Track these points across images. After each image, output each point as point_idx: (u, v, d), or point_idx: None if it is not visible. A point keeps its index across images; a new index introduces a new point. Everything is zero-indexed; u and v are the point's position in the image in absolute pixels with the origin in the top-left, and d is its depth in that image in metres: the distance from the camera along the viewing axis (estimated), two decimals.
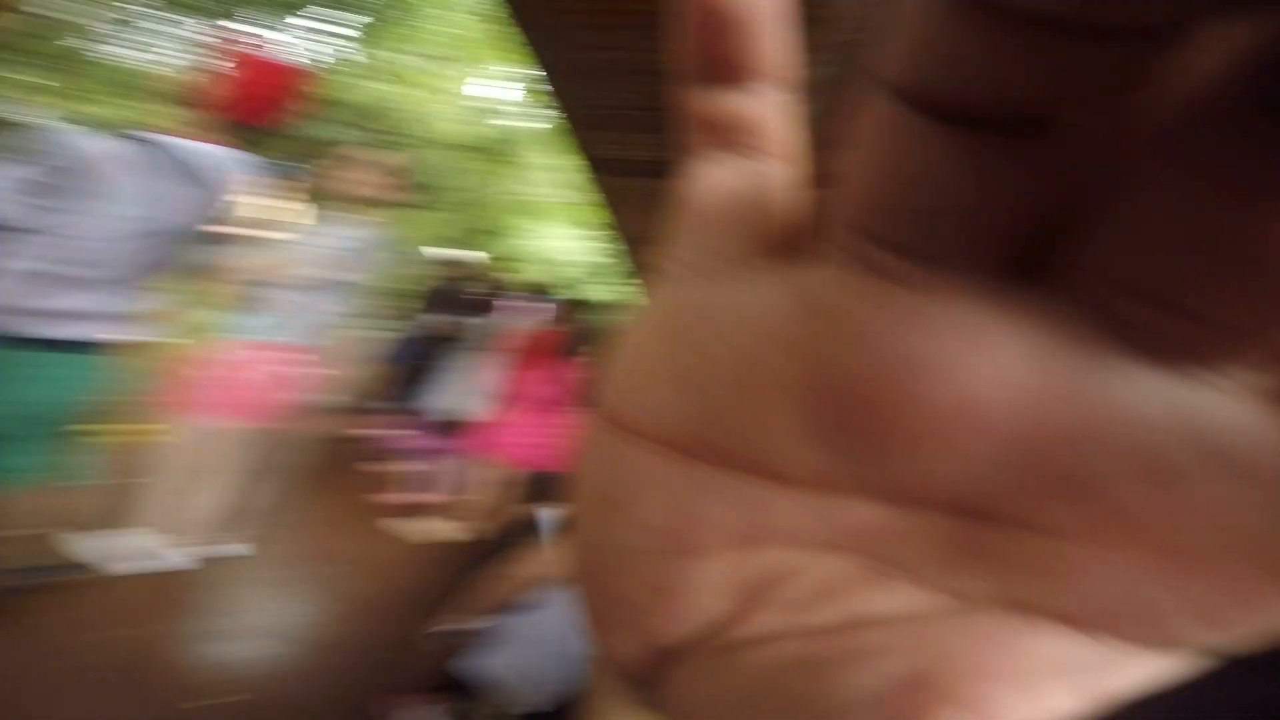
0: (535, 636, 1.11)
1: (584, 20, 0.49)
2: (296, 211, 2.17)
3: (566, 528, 0.11)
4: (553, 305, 2.52)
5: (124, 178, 1.27)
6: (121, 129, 1.34)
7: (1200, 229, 0.06)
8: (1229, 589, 0.07)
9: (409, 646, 1.46)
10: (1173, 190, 0.06)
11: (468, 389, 2.44)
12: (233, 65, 1.41)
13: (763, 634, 0.09)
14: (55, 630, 1.46)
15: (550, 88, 0.63)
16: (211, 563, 1.79)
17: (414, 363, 2.56)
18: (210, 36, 1.46)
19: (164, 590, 1.69)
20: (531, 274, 3.67)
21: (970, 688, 0.07)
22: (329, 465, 2.51)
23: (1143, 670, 0.08)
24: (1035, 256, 0.07)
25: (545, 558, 1.29)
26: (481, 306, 2.60)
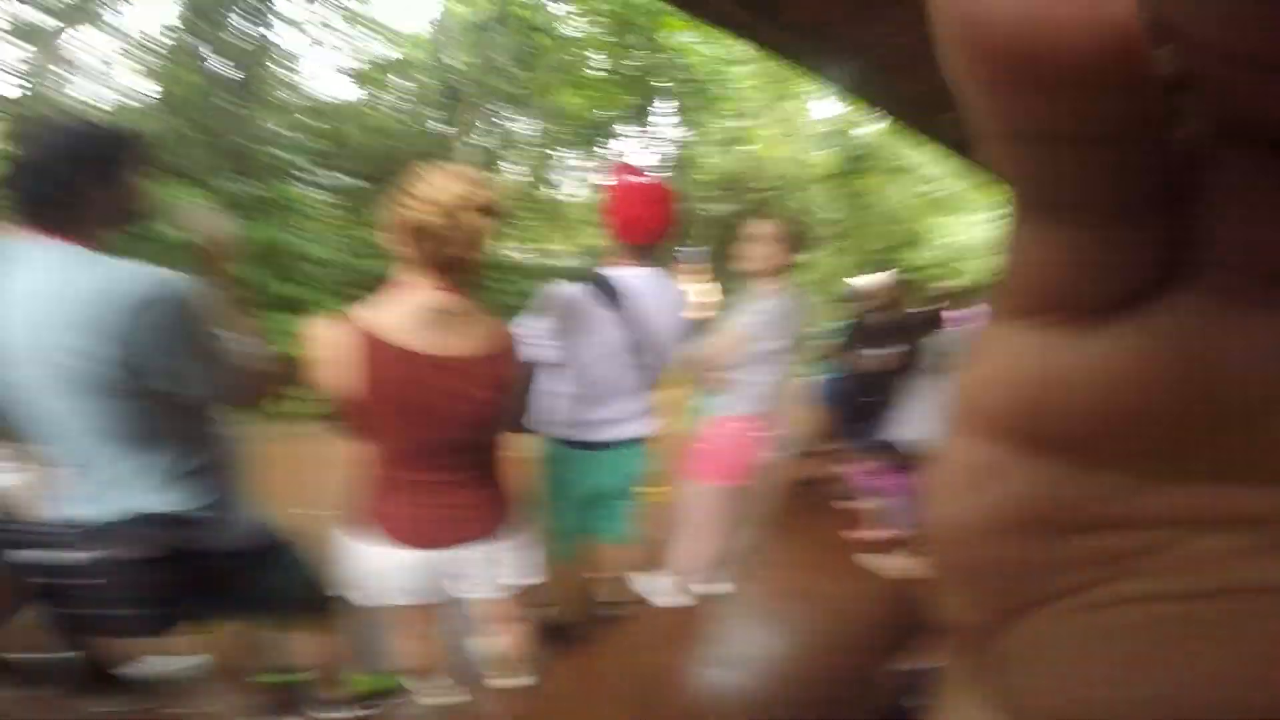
0: None
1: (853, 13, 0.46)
2: (718, 296, 2.53)
3: (923, 510, 0.13)
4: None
5: (601, 312, 1.64)
6: (574, 262, 1.82)
7: None
8: None
9: (870, 682, 1.42)
10: None
11: (928, 416, 2.31)
12: (619, 190, 1.64)
13: (1130, 595, 0.10)
14: (611, 651, 1.91)
15: (867, 95, 0.60)
16: (707, 599, 2.13)
17: (867, 399, 2.55)
18: (595, 165, 1.86)
19: (673, 622, 2.08)
20: (958, 275, 3.28)
21: None
22: (803, 508, 2.71)
23: None
24: None
25: None
26: (923, 325, 2.45)
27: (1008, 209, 0.10)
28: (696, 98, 7.35)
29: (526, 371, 1.31)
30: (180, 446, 1.12)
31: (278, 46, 6.50)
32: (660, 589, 2.22)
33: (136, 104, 5.93)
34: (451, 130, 6.93)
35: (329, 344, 1.10)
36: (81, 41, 5.63)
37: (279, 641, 1.54)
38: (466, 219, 1.09)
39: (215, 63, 5.97)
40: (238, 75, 5.98)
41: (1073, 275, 0.10)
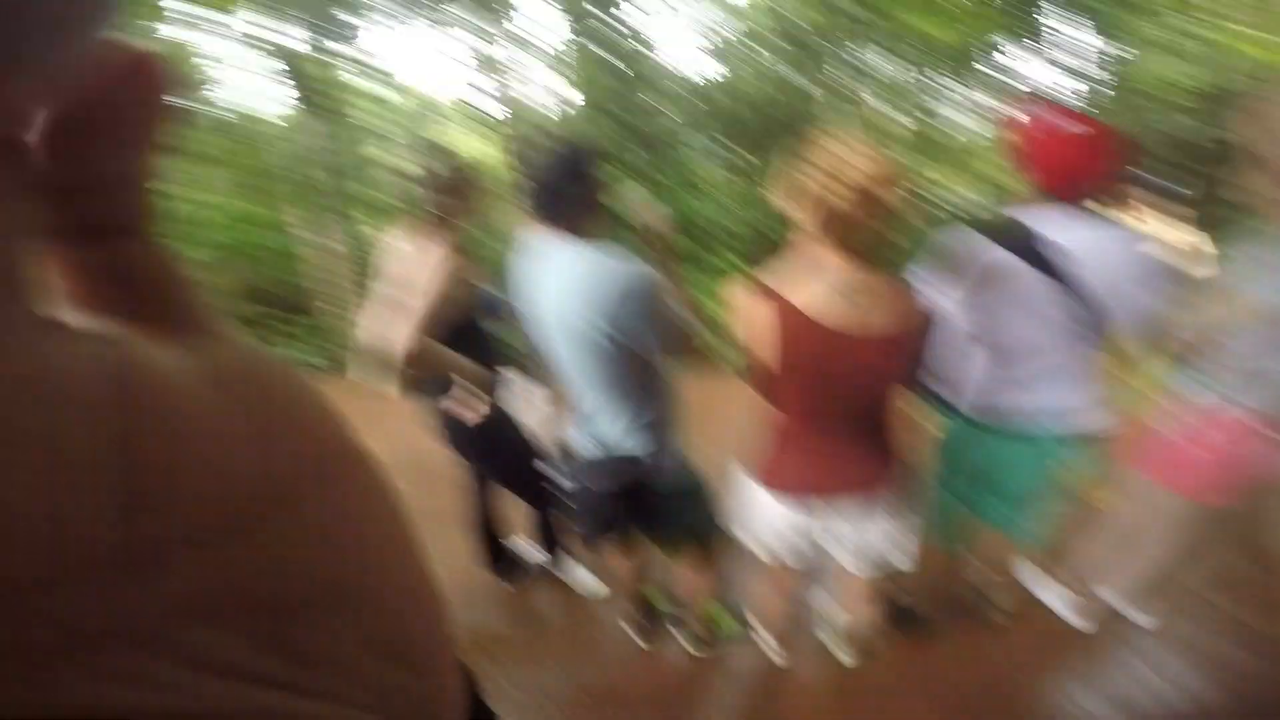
0: None
1: None
2: (1205, 246, 1.87)
3: None
4: None
5: (1024, 270, 1.35)
6: (978, 206, 1.50)
7: None
8: None
9: None
10: None
11: None
12: (1034, 130, 1.34)
13: None
14: (961, 656, 1.71)
15: None
16: (1112, 621, 1.71)
17: None
18: (990, 94, 1.45)
19: (1057, 641, 1.74)
20: None
21: None
22: None
23: None
24: None
25: None
26: None
27: None
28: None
29: (930, 331, 1.22)
30: (643, 399, 1.39)
31: (645, 34, 7.32)
32: (1059, 599, 1.87)
33: (569, 109, 7.45)
34: (815, 88, 6.82)
35: (749, 311, 1.21)
36: (518, 62, 7.25)
37: (668, 566, 1.81)
38: (874, 196, 1.05)
39: (606, 56, 7.05)
40: (623, 66, 6.97)
41: None
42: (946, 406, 1.59)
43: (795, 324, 1.15)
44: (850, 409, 1.23)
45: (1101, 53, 6.35)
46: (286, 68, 6.08)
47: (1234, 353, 1.39)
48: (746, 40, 7.64)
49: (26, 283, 0.09)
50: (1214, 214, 1.45)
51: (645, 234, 1.37)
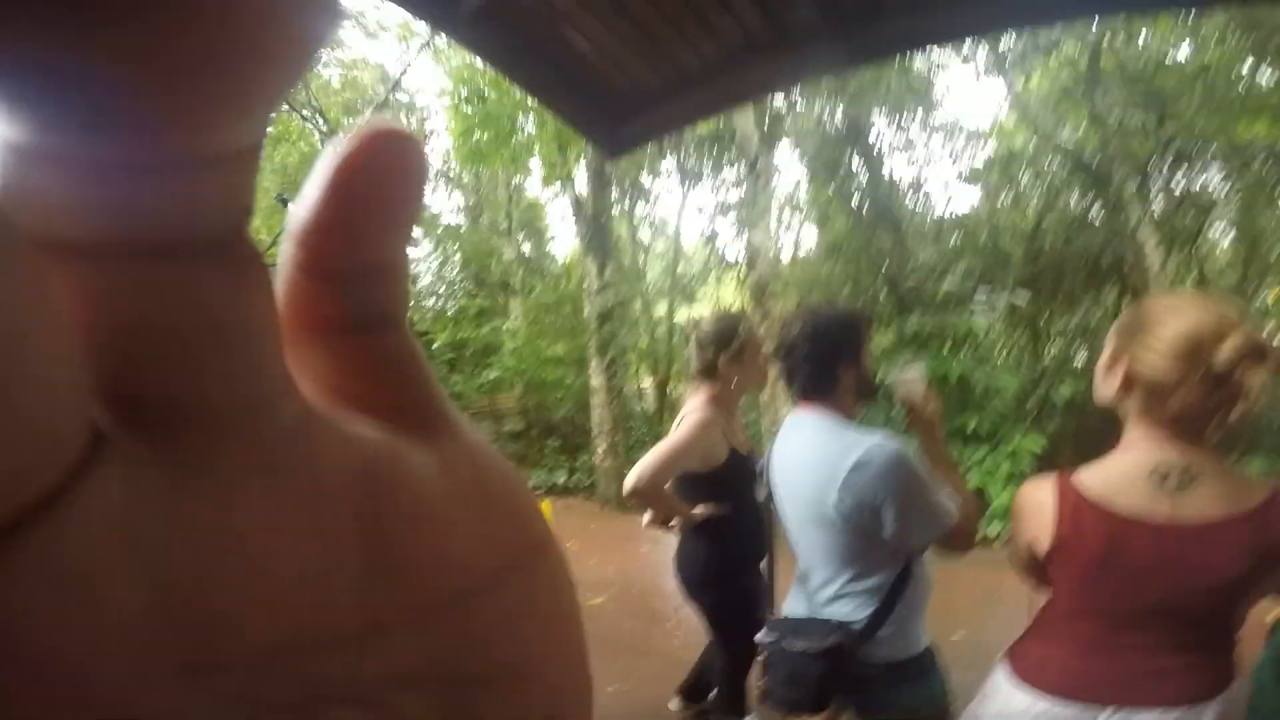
0: None
1: None
2: None
3: None
4: None
5: None
6: None
7: None
8: None
9: None
10: None
11: None
12: None
13: None
14: None
15: None
16: None
17: None
18: None
19: None
20: None
21: None
22: None
23: None
24: None
25: None
26: None
27: None
28: None
29: None
30: (865, 569, 1.29)
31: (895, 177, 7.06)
32: None
33: (807, 256, 7.49)
34: (1105, 210, 5.86)
35: (1027, 493, 1.06)
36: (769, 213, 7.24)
37: None
38: (1221, 373, 0.85)
39: (856, 203, 6.98)
40: (875, 212, 6.81)
41: None
42: None
43: (1079, 510, 0.98)
44: (1165, 611, 0.98)
45: None
46: (574, 210, 6.78)
47: None
48: (1002, 165, 7.06)
49: (287, 375, 0.09)
50: None
51: (905, 405, 1.31)
